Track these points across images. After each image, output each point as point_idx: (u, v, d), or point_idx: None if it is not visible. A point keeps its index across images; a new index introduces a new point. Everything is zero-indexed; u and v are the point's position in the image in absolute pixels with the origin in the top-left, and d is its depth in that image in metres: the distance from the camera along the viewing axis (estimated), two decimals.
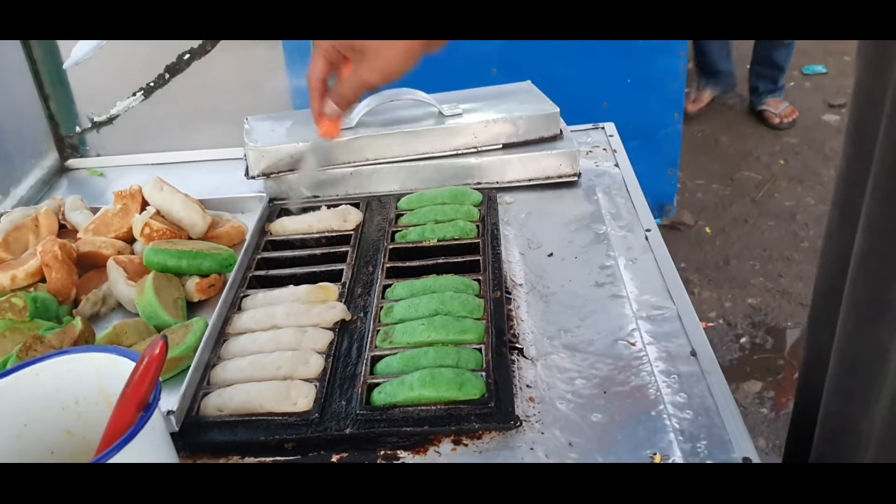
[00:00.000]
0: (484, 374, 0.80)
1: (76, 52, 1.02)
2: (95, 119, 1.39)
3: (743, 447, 0.73)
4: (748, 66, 3.75)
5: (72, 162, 1.42)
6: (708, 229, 3.07)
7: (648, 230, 1.06)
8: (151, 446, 0.63)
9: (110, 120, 1.39)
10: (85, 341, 0.88)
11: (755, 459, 0.71)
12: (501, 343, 0.85)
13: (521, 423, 0.77)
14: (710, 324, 2.60)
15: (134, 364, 0.65)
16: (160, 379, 0.64)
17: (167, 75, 1.34)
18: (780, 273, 2.81)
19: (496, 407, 0.77)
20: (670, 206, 2.98)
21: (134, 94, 1.36)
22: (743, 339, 2.53)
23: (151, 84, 1.35)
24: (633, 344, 0.87)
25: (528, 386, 0.83)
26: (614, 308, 0.93)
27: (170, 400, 0.81)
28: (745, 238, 3.01)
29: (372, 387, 0.81)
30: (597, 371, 0.84)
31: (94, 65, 1.29)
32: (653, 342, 0.87)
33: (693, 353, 0.84)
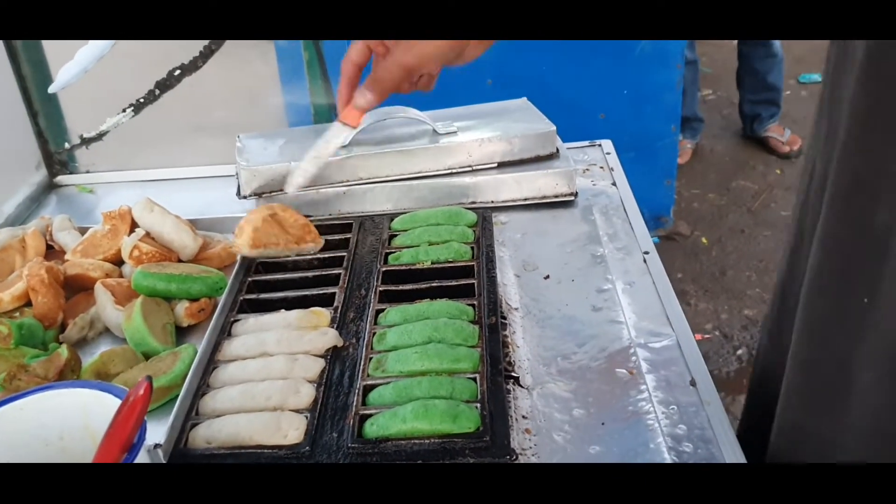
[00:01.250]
0: (479, 405, 0.79)
1: (62, 76, 1.00)
2: (85, 135, 1.37)
3: None
4: (738, 101, 3.67)
5: (61, 178, 1.40)
6: (704, 240, 3.06)
7: (647, 252, 1.05)
8: None
9: (100, 136, 1.37)
10: (71, 370, 0.86)
11: None
12: (496, 372, 0.83)
13: (516, 457, 0.75)
14: (707, 335, 2.58)
15: (120, 400, 0.64)
16: (145, 417, 0.63)
17: (157, 91, 1.32)
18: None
19: (491, 441, 0.75)
20: (667, 218, 2.97)
21: (124, 111, 1.34)
22: (740, 351, 2.52)
23: (141, 100, 1.33)
24: (631, 372, 0.85)
25: (523, 416, 0.81)
26: (612, 334, 0.91)
27: (158, 431, 0.78)
28: (742, 248, 3.00)
29: (364, 418, 0.79)
30: (594, 400, 0.82)
31: (83, 80, 1.28)
32: (651, 370, 0.85)
33: (692, 383, 0.83)
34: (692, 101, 3.41)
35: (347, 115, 0.88)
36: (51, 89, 0.99)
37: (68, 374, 0.86)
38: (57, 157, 1.39)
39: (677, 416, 0.79)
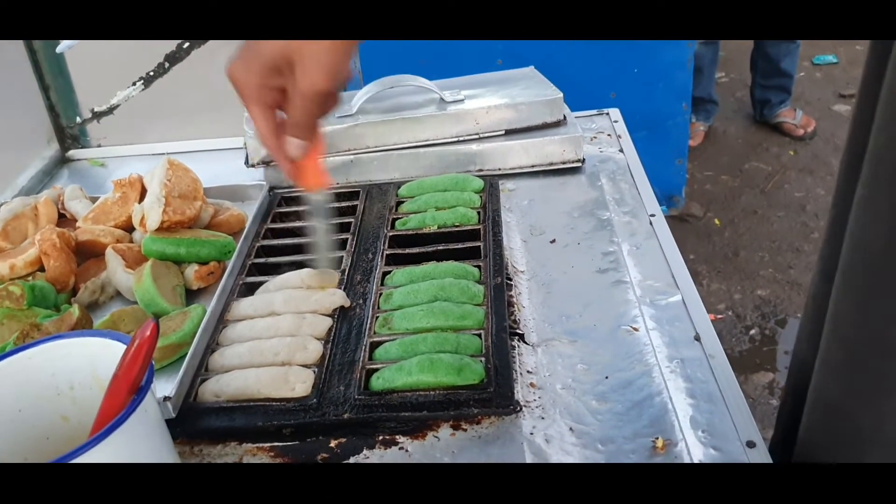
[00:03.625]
0: (483, 359, 0.79)
1: None
2: (96, 109, 1.39)
3: (747, 432, 0.71)
4: (750, 84, 3.65)
5: (73, 153, 1.41)
6: (717, 221, 3.05)
7: (653, 215, 1.05)
8: (144, 431, 0.62)
9: (111, 110, 1.38)
10: (82, 328, 0.88)
11: (759, 443, 0.70)
12: (501, 328, 0.84)
13: (521, 409, 0.76)
14: (720, 315, 2.58)
15: None
16: (153, 363, 0.64)
17: (167, 64, 1.33)
18: (789, 264, 2.78)
19: (495, 392, 0.76)
20: (679, 197, 2.96)
21: (134, 84, 1.35)
22: (752, 331, 2.51)
23: (151, 73, 1.34)
24: (635, 329, 0.85)
25: (528, 371, 0.81)
26: (617, 294, 0.92)
27: (167, 386, 0.80)
28: (755, 229, 2.99)
29: (370, 372, 0.80)
30: (599, 357, 0.82)
31: (93, 54, 1.29)
32: (656, 327, 0.85)
33: (697, 338, 0.83)
34: (709, 82, 3.38)
35: (312, 183, 0.76)
36: (59, 49, 1.00)
37: None
38: (69, 132, 1.40)
39: (681, 369, 0.79)
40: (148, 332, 0.60)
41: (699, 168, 3.36)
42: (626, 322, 0.87)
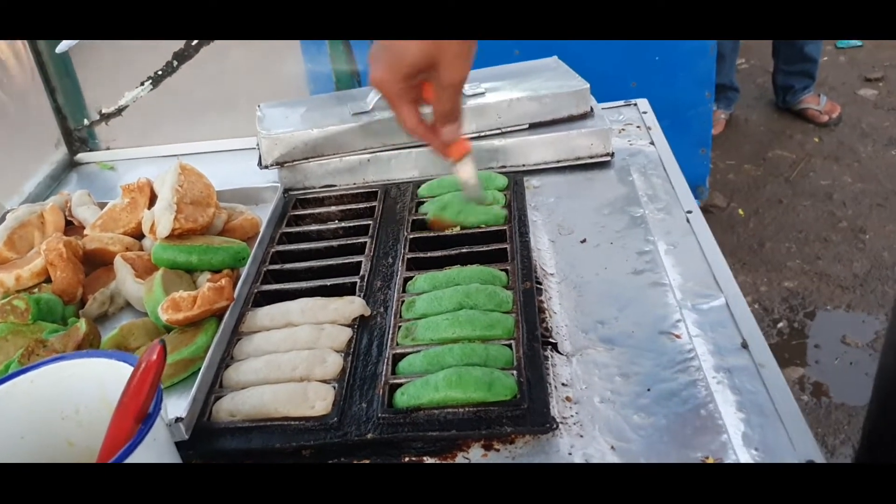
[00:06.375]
0: (515, 372, 0.74)
1: None
2: (104, 110, 1.34)
3: (805, 449, 0.66)
4: (772, 70, 3.55)
5: (81, 156, 1.37)
6: (741, 211, 2.98)
7: (689, 212, 0.99)
8: (153, 460, 0.58)
9: (119, 111, 1.34)
10: (90, 344, 0.83)
11: (819, 462, 0.64)
12: (533, 338, 0.78)
13: (557, 426, 0.70)
14: None
15: None
16: (162, 385, 0.59)
17: (176, 63, 1.28)
18: (817, 255, 2.70)
19: (529, 408, 0.70)
20: (703, 188, 2.88)
21: (142, 84, 1.30)
22: (781, 324, 2.44)
23: (160, 72, 1.30)
24: (677, 336, 0.80)
25: (563, 384, 0.76)
26: (655, 297, 0.86)
27: (179, 405, 0.75)
28: (780, 219, 2.91)
29: (394, 388, 0.75)
30: (639, 367, 0.77)
31: (100, 54, 1.25)
32: (700, 334, 0.80)
33: (744, 345, 0.77)
34: (730, 69, 3.30)
35: (455, 152, 0.83)
36: (58, 49, 0.96)
37: (87, 349, 0.83)
38: (77, 134, 1.36)
39: (729, 380, 0.74)
40: (154, 356, 0.55)
41: (721, 157, 3.28)
42: (666, 328, 0.81)
